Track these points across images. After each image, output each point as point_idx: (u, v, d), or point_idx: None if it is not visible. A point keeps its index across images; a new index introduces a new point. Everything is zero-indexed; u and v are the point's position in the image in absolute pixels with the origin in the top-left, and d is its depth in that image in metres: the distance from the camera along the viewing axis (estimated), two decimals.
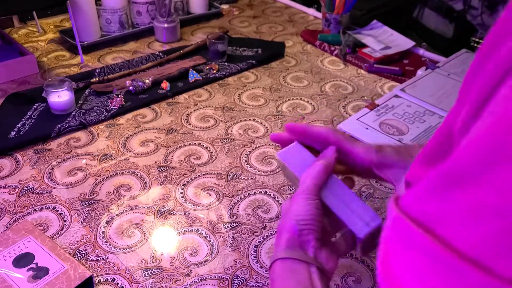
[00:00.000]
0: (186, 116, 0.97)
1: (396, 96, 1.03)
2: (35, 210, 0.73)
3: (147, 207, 0.75)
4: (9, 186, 0.78)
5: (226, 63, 1.17)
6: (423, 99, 1.00)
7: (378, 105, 0.98)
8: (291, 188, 0.80)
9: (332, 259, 0.46)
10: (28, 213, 0.73)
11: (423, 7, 1.55)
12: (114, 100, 1.00)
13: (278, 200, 0.77)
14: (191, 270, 0.65)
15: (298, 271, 0.45)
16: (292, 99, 1.05)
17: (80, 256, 0.66)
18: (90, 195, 0.77)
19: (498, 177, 0.22)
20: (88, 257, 0.66)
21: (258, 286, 0.63)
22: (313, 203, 0.46)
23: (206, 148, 0.89)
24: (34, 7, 1.18)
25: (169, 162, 0.85)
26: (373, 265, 0.67)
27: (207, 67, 1.14)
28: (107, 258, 0.66)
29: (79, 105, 0.98)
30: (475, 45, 1.45)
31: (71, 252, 0.67)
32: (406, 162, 0.48)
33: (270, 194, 0.79)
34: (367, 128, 0.91)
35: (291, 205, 0.47)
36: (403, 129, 0.93)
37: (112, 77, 1.08)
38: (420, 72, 1.13)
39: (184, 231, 0.71)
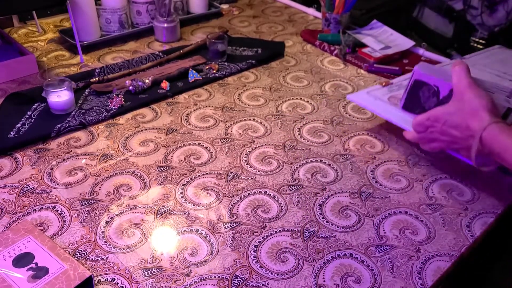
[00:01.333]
0: (186, 116, 0.98)
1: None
2: (35, 210, 0.73)
3: (147, 207, 0.75)
4: (8, 186, 0.78)
5: (226, 63, 1.17)
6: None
7: (392, 83, 0.98)
8: (291, 188, 0.80)
9: None
10: (27, 213, 0.73)
11: (423, 6, 1.55)
12: (114, 100, 1.00)
13: (278, 200, 0.77)
14: (191, 270, 0.65)
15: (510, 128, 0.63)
16: (292, 99, 1.06)
17: (79, 256, 0.66)
18: (90, 195, 0.77)
19: None
20: (87, 257, 0.66)
21: (258, 286, 0.63)
22: (480, 90, 0.69)
23: (206, 148, 0.89)
24: (34, 7, 1.18)
25: (168, 162, 0.85)
26: (373, 265, 0.67)
27: (207, 67, 1.14)
28: (107, 258, 0.66)
29: (79, 105, 0.98)
30: (475, 45, 1.45)
31: (70, 252, 0.67)
32: None
33: (270, 194, 0.79)
34: (375, 99, 0.91)
35: (466, 90, 0.69)
36: None
37: (112, 77, 1.08)
38: None
39: (184, 231, 0.71)
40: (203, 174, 0.82)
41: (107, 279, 0.63)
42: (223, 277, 0.64)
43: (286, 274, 0.65)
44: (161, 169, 0.83)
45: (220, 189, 0.79)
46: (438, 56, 1.23)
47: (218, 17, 1.46)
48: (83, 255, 0.66)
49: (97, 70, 1.10)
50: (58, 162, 0.83)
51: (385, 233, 0.72)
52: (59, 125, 0.90)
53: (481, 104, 0.66)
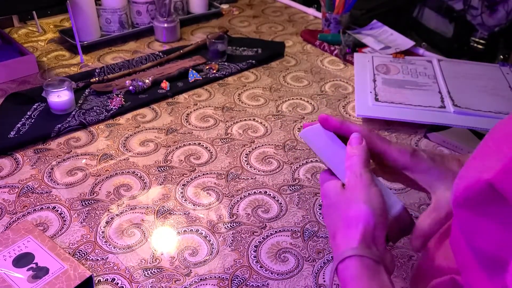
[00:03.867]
0: (186, 116, 0.97)
1: (428, 61, 1.06)
2: (35, 210, 0.73)
3: (147, 207, 0.75)
4: (9, 186, 0.78)
5: (226, 63, 1.17)
6: (448, 80, 1.00)
7: (403, 57, 1.02)
8: (291, 188, 0.80)
9: (393, 262, 0.44)
10: (28, 213, 0.73)
11: (423, 6, 1.55)
12: (114, 100, 0.99)
13: (278, 200, 0.77)
14: (191, 270, 0.65)
15: (379, 272, 0.42)
16: (292, 99, 1.05)
17: (80, 256, 0.66)
18: (90, 195, 0.77)
19: None
20: (88, 257, 0.66)
21: (258, 286, 0.63)
22: (378, 190, 0.45)
23: (206, 148, 0.89)
24: (34, 7, 1.18)
25: (169, 162, 0.85)
26: None
27: (207, 67, 1.14)
28: (107, 258, 0.66)
29: (79, 105, 0.98)
30: (475, 45, 1.45)
31: (71, 252, 0.67)
32: (440, 172, 0.46)
33: (270, 194, 0.79)
34: (381, 106, 0.97)
35: (356, 190, 0.45)
36: (393, 70, 1.05)
37: (112, 77, 1.08)
38: None
39: (184, 231, 0.71)
40: (203, 174, 0.82)
41: (107, 279, 0.63)
42: (223, 277, 0.64)
43: (286, 274, 0.65)
44: (161, 169, 0.83)
45: (220, 189, 0.79)
46: (438, 56, 1.23)
47: (218, 17, 1.46)
48: (83, 255, 0.66)
49: (97, 70, 1.10)
50: (58, 162, 0.83)
51: None
52: (59, 125, 0.90)
53: (358, 220, 0.43)
